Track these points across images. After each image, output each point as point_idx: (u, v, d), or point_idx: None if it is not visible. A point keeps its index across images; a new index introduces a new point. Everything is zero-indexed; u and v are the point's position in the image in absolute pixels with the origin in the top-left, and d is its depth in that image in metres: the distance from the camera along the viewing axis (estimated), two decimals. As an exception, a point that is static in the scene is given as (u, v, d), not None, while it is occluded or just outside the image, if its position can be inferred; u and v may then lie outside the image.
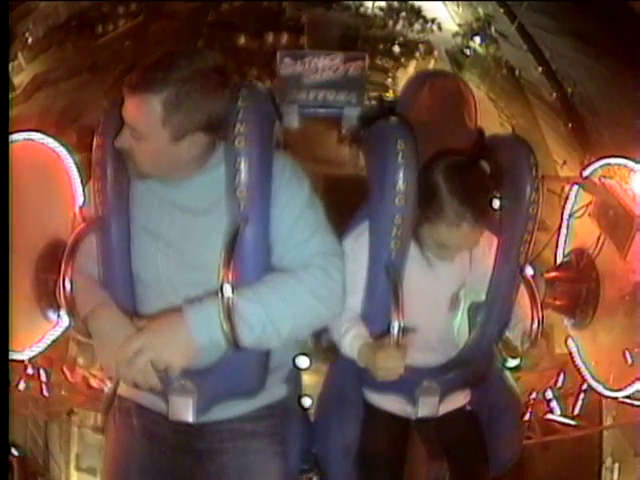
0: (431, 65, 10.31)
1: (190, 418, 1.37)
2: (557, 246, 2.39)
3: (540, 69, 8.52)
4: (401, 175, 1.38)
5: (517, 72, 9.14)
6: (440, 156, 1.44)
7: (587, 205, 2.25)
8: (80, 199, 2.00)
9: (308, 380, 1.67)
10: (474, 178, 1.41)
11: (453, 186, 1.38)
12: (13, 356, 1.99)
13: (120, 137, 1.23)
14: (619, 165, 2.20)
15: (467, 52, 9.74)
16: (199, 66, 1.18)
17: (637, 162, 2.13)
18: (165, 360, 1.19)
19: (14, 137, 1.84)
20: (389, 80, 9.61)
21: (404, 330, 1.32)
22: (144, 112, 1.18)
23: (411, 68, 10.27)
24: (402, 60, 9.39)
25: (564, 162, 7.19)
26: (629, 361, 2.04)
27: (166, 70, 1.16)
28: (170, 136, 1.20)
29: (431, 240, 1.45)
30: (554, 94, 8.15)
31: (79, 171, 2.06)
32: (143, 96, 1.17)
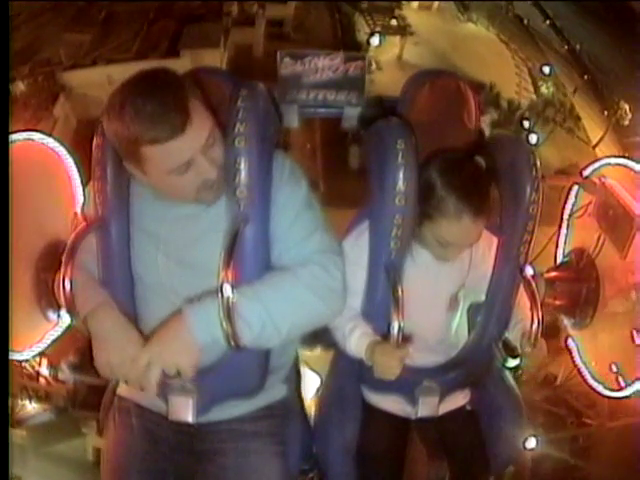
0: (436, 3, 10.20)
1: (190, 418, 1.37)
2: (557, 246, 2.39)
3: (547, 22, 8.51)
4: (401, 175, 1.38)
5: (525, 21, 9.10)
6: (435, 154, 1.44)
7: (587, 205, 2.25)
8: (80, 199, 1.99)
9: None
10: (470, 172, 1.41)
11: (449, 180, 1.38)
12: (13, 356, 1.99)
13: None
14: (619, 165, 2.20)
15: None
16: (175, 84, 1.17)
17: (637, 162, 2.13)
18: (175, 365, 1.19)
19: (14, 137, 1.84)
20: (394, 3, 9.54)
21: (405, 331, 1.32)
22: (190, 144, 1.16)
23: (415, 2, 10.16)
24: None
25: (575, 89, 7.17)
26: (614, 369, 2.04)
27: (169, 103, 1.13)
28: (205, 140, 1.20)
29: (433, 239, 1.45)
30: (565, 46, 8.14)
31: (79, 171, 2.06)
32: (179, 137, 1.14)
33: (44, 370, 3.94)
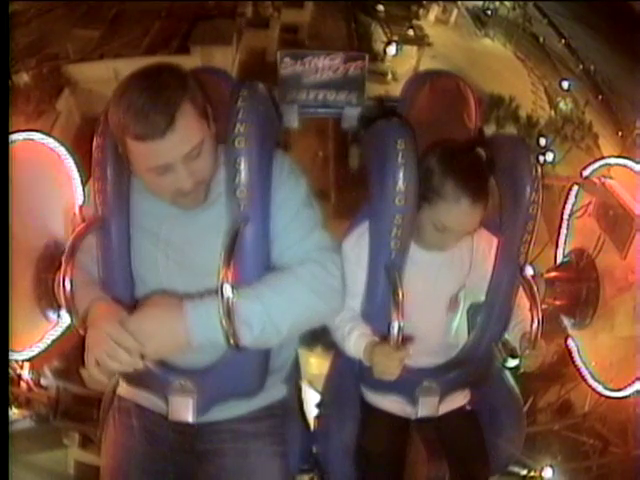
0: (453, 17, 10.24)
1: (190, 418, 1.37)
2: (557, 246, 2.39)
3: (563, 41, 8.59)
4: (401, 175, 1.38)
5: (541, 39, 9.17)
6: (436, 144, 1.45)
7: (587, 205, 2.26)
8: (80, 199, 2.00)
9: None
10: (469, 159, 1.41)
11: (449, 165, 1.39)
12: (13, 356, 1.99)
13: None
14: (619, 165, 2.20)
15: (489, 12, 9.84)
16: (175, 87, 1.16)
17: (637, 162, 2.14)
18: (152, 347, 1.16)
19: (14, 137, 1.84)
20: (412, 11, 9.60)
21: (404, 332, 1.32)
22: (169, 149, 1.15)
23: (432, 15, 10.21)
24: (424, 2, 9.51)
25: (586, 102, 7.20)
26: None
27: (158, 106, 1.12)
28: (189, 151, 1.19)
29: (431, 224, 1.43)
30: (580, 66, 8.20)
31: (79, 171, 2.06)
32: (157, 140, 1.13)
33: (26, 374, 3.77)
